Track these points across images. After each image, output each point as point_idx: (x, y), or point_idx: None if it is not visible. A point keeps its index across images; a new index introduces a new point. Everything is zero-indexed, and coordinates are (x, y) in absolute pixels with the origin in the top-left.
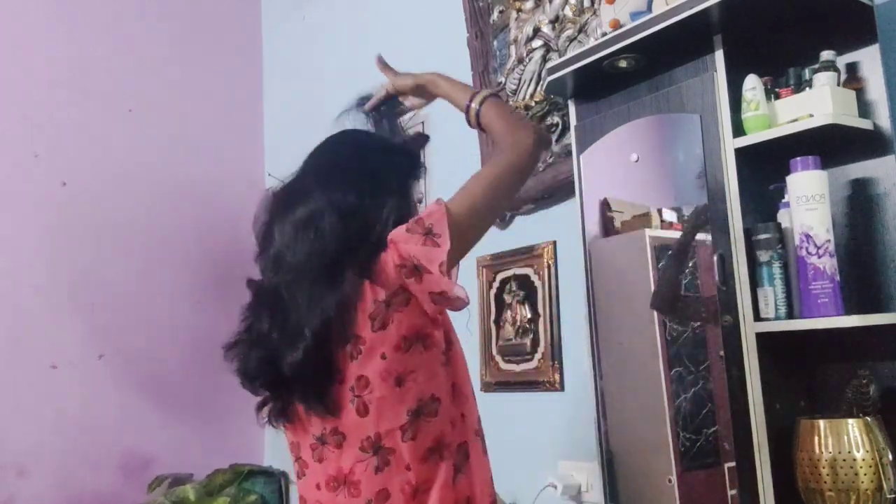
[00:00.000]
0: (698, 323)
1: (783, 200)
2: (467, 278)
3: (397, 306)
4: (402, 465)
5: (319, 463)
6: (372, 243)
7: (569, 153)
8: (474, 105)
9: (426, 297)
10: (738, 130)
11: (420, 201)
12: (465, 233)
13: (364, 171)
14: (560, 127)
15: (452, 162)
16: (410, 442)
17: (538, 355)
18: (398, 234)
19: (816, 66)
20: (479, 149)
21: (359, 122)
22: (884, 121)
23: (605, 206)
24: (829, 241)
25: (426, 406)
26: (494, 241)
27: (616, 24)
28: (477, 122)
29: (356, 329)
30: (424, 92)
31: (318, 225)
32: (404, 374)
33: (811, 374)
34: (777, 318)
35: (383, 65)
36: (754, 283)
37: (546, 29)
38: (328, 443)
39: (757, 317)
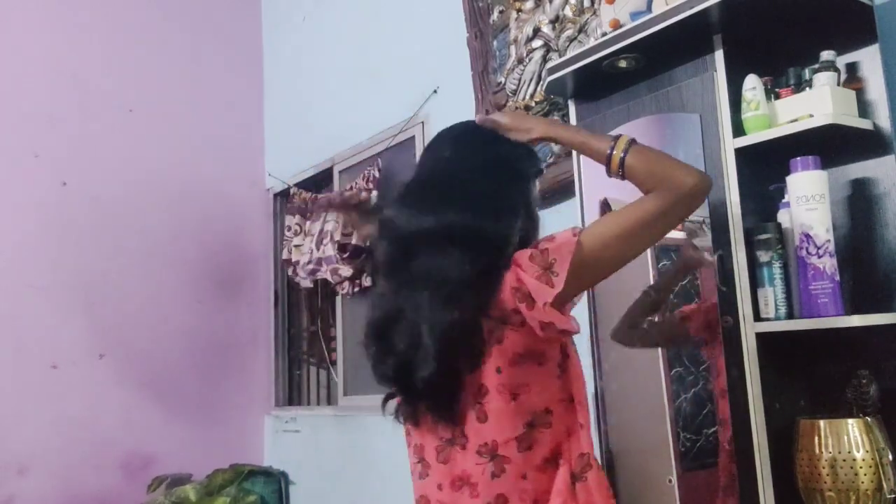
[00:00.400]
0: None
1: (783, 200)
2: None
3: (513, 325)
4: (518, 473)
5: (444, 464)
6: (498, 267)
7: (569, 153)
8: (617, 153)
9: (536, 324)
10: (738, 130)
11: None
12: (590, 269)
13: (491, 189)
14: None
15: None
16: (526, 452)
17: None
18: (522, 257)
19: (816, 66)
20: None
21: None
22: (884, 121)
23: (605, 206)
24: (829, 241)
25: (539, 418)
26: None
27: (616, 24)
28: (619, 169)
29: (478, 343)
30: (545, 142)
31: (447, 255)
32: (518, 388)
33: (811, 374)
34: (777, 318)
35: (491, 120)
36: (754, 284)
37: (546, 29)
38: (456, 444)
39: (757, 317)
